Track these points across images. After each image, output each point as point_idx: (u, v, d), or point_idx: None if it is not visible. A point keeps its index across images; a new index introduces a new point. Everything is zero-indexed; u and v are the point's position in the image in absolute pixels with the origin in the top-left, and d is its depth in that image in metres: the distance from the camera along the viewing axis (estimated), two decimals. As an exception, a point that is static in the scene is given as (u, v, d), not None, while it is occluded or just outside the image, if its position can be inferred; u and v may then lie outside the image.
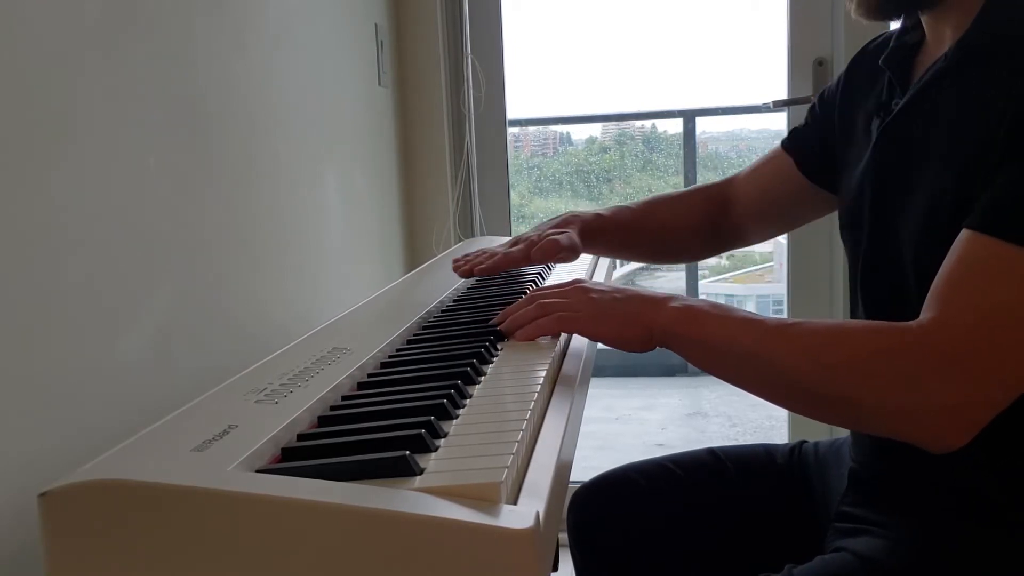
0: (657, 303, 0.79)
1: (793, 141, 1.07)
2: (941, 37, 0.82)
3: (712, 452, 1.06)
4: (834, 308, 1.93)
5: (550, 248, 0.98)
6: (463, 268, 1.06)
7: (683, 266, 4.05)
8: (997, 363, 0.67)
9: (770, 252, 4.53)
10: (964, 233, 0.70)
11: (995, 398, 0.68)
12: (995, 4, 0.76)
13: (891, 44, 0.89)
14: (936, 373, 0.68)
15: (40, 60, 0.87)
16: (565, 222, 1.06)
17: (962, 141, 0.74)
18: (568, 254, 0.99)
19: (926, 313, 0.70)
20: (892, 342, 0.70)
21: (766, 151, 1.13)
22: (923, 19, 0.85)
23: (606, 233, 1.10)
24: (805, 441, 1.06)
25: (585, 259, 1.27)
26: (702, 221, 1.14)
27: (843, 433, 0.98)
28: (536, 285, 1.06)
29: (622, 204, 1.15)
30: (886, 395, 0.69)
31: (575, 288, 0.83)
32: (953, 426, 0.68)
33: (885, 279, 0.84)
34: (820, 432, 1.83)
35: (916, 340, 0.69)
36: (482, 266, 1.03)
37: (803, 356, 0.72)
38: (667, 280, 4.41)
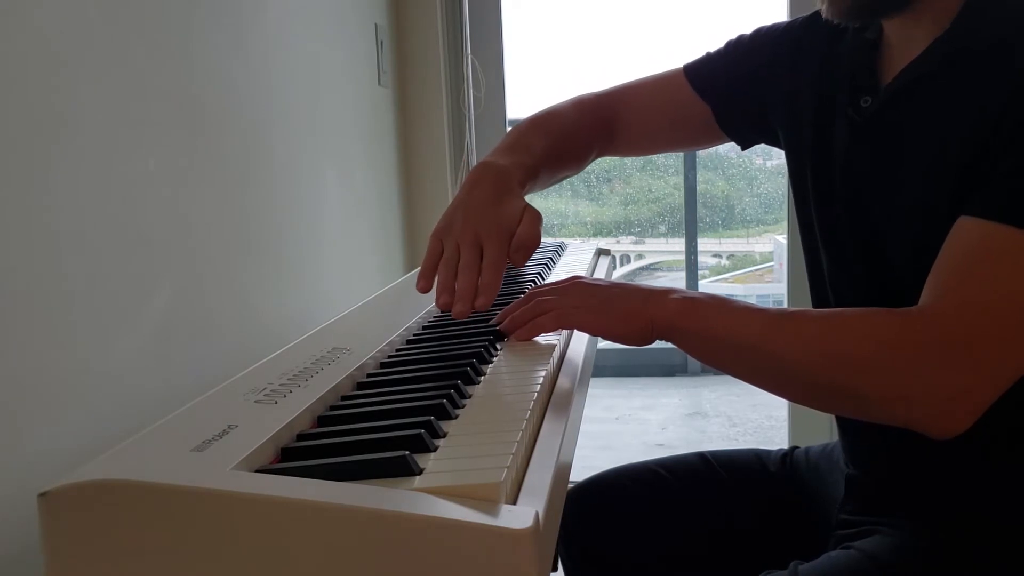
0: (657, 296, 0.79)
1: (713, 90, 1.00)
2: (909, 38, 0.80)
3: (702, 456, 1.05)
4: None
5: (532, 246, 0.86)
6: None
7: (683, 266, 4.05)
8: (1002, 348, 0.67)
9: (770, 252, 4.53)
10: (965, 220, 0.70)
11: (999, 382, 0.68)
12: (974, 7, 0.76)
13: (849, 39, 0.87)
14: (941, 360, 0.68)
15: (39, 60, 0.87)
16: (500, 188, 0.90)
17: (954, 138, 0.74)
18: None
19: (928, 298, 0.70)
20: (895, 330, 0.70)
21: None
22: (889, 22, 0.82)
23: (536, 184, 0.99)
24: (796, 447, 1.05)
25: (584, 259, 1.27)
26: (595, 138, 1.07)
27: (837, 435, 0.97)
28: (536, 284, 1.06)
29: (524, 137, 1.00)
30: (889, 383, 0.69)
31: (573, 284, 0.83)
32: (957, 411, 0.68)
33: (869, 285, 0.84)
34: (820, 434, 1.83)
35: (920, 327, 0.69)
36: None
37: (806, 348, 0.72)
38: (668, 280, 4.41)
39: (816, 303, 0.93)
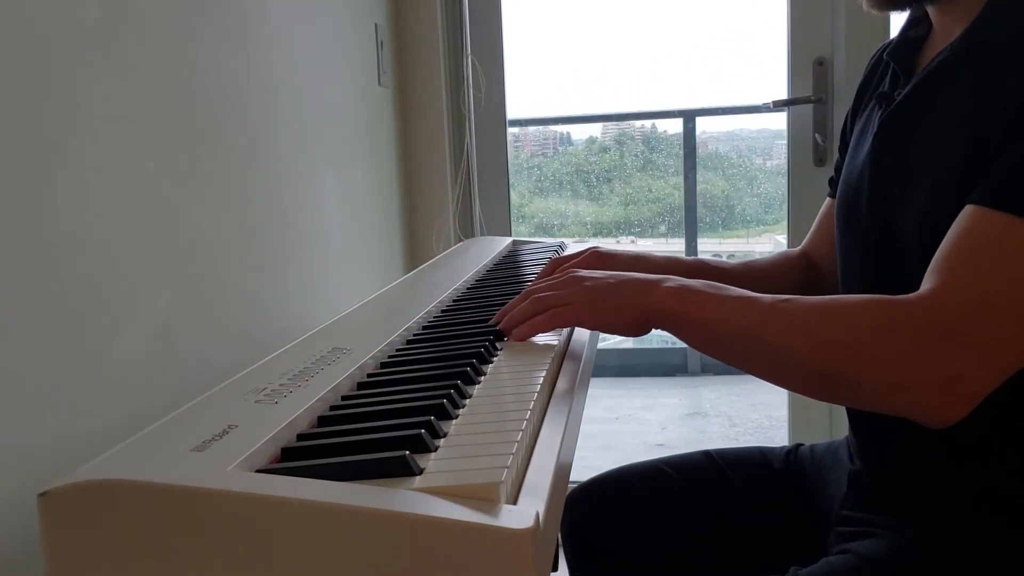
0: (652, 285, 0.78)
1: (833, 184, 1.04)
2: (947, 30, 0.82)
3: (707, 455, 1.06)
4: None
5: None
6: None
7: (683, 266, 4.04)
8: (999, 335, 0.67)
9: (770, 252, 4.53)
10: (968, 208, 0.71)
11: (995, 371, 0.68)
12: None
13: (896, 38, 0.90)
14: (935, 345, 0.67)
15: (40, 60, 0.87)
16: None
17: (965, 129, 0.75)
18: None
19: (927, 285, 0.70)
20: (891, 315, 0.70)
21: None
22: (930, 13, 0.85)
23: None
24: (801, 444, 1.05)
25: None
26: (799, 283, 1.08)
27: (841, 434, 0.97)
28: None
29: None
30: (886, 370, 0.69)
31: (569, 279, 0.83)
32: (952, 399, 0.68)
33: (886, 271, 0.84)
34: (819, 433, 1.84)
35: (916, 312, 0.69)
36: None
37: (801, 334, 0.72)
38: (667, 280, 4.39)
39: None
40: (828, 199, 1.07)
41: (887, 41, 0.96)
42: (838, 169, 1.02)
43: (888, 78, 0.90)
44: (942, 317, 0.68)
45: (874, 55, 0.99)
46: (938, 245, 0.72)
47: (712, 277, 1.01)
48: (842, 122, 1.03)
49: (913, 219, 0.79)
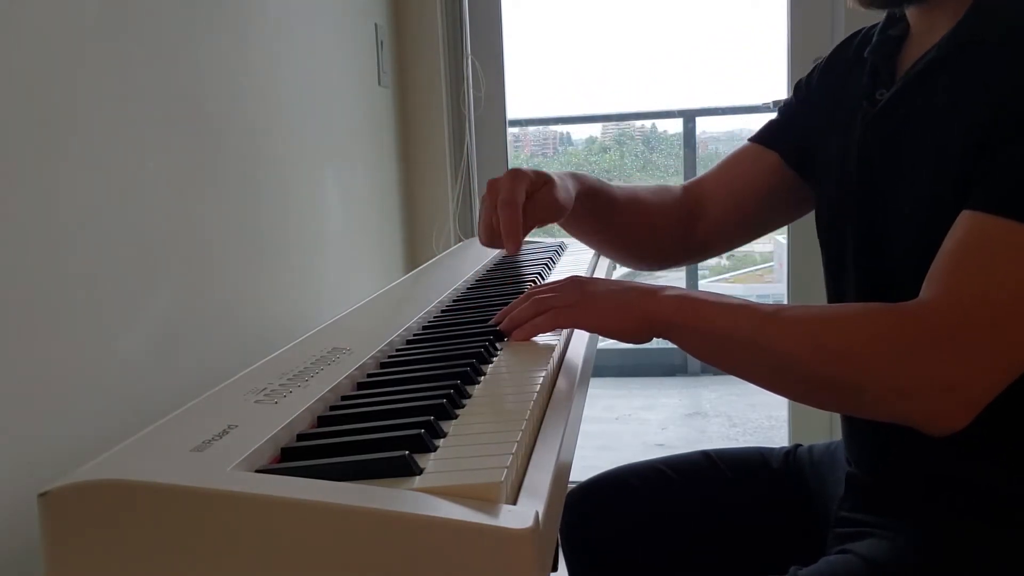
0: (654, 293, 0.79)
1: (775, 136, 1.02)
2: (931, 30, 0.81)
3: (706, 455, 1.06)
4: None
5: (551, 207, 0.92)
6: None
7: (683, 265, 4.05)
8: (998, 341, 0.67)
9: (770, 252, 4.53)
10: (965, 214, 0.70)
11: (995, 378, 0.67)
12: None
13: (875, 37, 0.89)
14: (934, 351, 0.67)
15: (40, 59, 0.87)
16: (568, 175, 0.99)
17: (958, 129, 0.74)
18: (559, 213, 0.93)
19: (925, 292, 0.70)
20: (890, 323, 0.70)
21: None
22: (911, 12, 0.84)
23: (601, 208, 1.04)
24: (800, 445, 1.05)
25: (584, 259, 1.27)
26: (678, 222, 1.08)
27: (840, 435, 0.97)
28: (535, 284, 1.06)
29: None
30: (886, 377, 0.69)
31: (572, 283, 0.84)
32: (952, 407, 0.67)
33: (875, 273, 0.84)
34: (819, 433, 1.84)
35: (915, 319, 0.69)
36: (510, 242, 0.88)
37: (802, 342, 0.72)
38: (667, 280, 4.41)
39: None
40: (749, 143, 1.04)
41: (858, 33, 0.94)
42: (783, 122, 1.01)
43: (866, 76, 0.87)
44: (942, 324, 0.68)
45: (842, 42, 0.96)
46: (932, 246, 0.72)
47: (604, 200, 1.04)
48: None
49: (906, 220, 0.79)
